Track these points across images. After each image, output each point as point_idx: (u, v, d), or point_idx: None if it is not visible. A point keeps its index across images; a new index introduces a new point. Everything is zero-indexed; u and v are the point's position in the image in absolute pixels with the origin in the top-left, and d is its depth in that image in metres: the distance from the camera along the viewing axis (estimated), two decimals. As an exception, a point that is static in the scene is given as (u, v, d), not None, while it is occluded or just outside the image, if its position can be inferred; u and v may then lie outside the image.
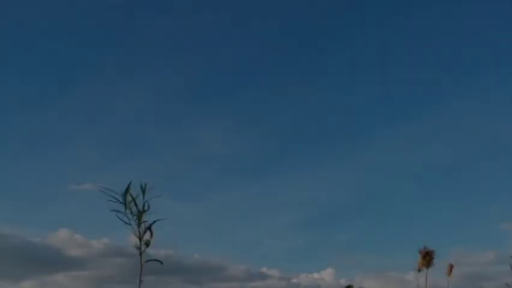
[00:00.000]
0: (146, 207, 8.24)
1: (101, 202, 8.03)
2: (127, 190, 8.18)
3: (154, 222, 8.15)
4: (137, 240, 8.18)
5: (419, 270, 13.93)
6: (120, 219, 8.16)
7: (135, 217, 8.17)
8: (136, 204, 8.23)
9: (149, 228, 8.15)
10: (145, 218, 8.33)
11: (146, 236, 8.29)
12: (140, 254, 8.04)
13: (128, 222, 8.17)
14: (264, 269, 34.93)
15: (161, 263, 7.90)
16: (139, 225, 8.16)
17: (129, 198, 8.17)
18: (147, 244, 8.13)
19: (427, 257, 13.94)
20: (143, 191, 8.29)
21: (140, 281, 7.96)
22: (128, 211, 8.21)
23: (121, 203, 8.13)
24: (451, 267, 14.30)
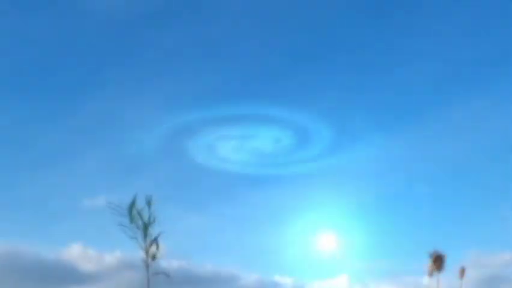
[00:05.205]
0: (151, 220, 8.19)
1: (113, 216, 8.05)
2: (132, 204, 8.14)
3: (159, 235, 8.09)
4: (144, 253, 8.11)
5: (431, 275, 13.76)
6: (126, 233, 8.11)
7: (141, 230, 8.12)
8: (141, 218, 8.18)
9: (155, 241, 8.07)
10: (152, 230, 8.27)
11: (153, 249, 8.22)
12: (147, 267, 7.97)
13: (133, 236, 8.12)
14: (277, 278, 34.62)
15: (168, 276, 7.84)
16: (144, 238, 8.10)
17: (134, 212, 8.12)
18: (153, 257, 8.05)
19: (438, 261, 13.78)
20: (149, 205, 8.24)
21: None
22: (134, 225, 8.15)
23: (126, 217, 8.08)
24: (463, 270, 14.11)
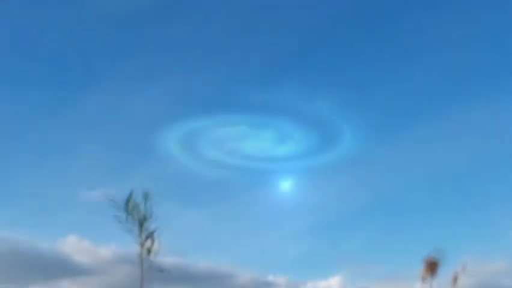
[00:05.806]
0: (148, 216, 8.21)
1: (110, 209, 8.08)
2: (129, 198, 8.17)
3: (155, 229, 8.13)
4: (139, 248, 8.14)
5: (424, 281, 13.77)
6: (122, 227, 8.14)
7: (137, 225, 8.15)
8: (138, 212, 8.21)
9: (150, 236, 8.09)
10: (149, 225, 8.30)
11: (149, 243, 8.24)
12: (141, 262, 7.99)
13: (129, 230, 8.14)
14: (272, 277, 34.72)
15: (163, 271, 7.86)
16: (140, 233, 8.12)
17: (131, 207, 8.15)
18: (148, 252, 8.07)
19: (432, 267, 13.79)
20: (146, 200, 8.27)
21: (142, 289, 7.91)
22: (130, 219, 8.18)
23: (123, 211, 8.11)
24: (456, 277, 14.12)
